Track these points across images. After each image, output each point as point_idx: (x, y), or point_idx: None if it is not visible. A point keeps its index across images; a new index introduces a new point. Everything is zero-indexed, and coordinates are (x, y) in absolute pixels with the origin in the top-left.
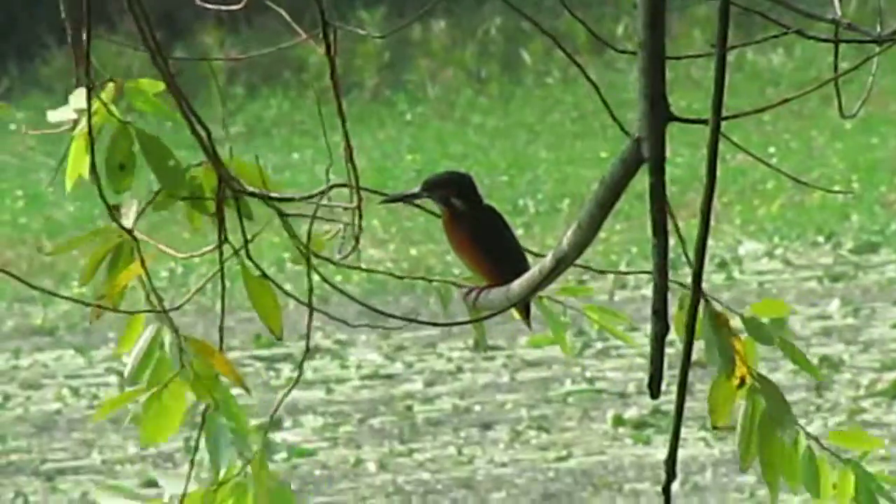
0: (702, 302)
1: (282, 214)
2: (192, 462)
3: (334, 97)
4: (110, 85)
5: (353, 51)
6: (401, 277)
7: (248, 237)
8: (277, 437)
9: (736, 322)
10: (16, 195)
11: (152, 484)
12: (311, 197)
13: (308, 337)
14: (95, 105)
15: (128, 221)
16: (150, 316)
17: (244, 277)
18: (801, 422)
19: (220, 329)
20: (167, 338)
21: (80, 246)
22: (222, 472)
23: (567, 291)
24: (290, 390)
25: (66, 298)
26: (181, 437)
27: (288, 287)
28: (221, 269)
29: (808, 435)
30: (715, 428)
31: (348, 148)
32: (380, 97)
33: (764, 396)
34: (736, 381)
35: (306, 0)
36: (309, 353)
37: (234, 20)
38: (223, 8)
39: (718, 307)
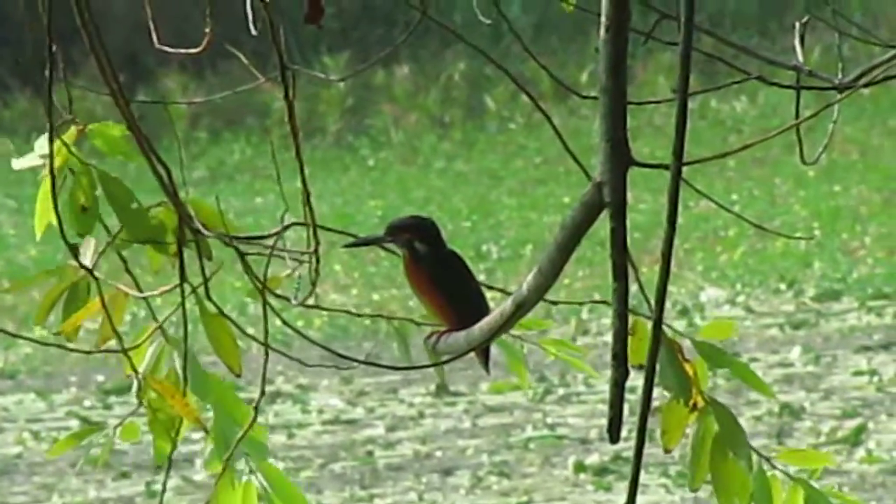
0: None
1: (241, 254)
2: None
3: (293, 140)
4: (73, 128)
5: (317, 96)
6: (360, 315)
7: (207, 276)
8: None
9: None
10: None
11: None
12: (268, 237)
13: (263, 376)
14: (59, 147)
15: (86, 260)
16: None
17: (202, 315)
18: None
19: (184, 369)
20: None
21: (38, 284)
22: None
23: (524, 325)
24: (246, 431)
25: (30, 340)
26: (141, 482)
27: (250, 331)
28: (183, 308)
29: (759, 455)
30: (667, 451)
31: (305, 191)
32: (342, 142)
33: (716, 418)
34: (689, 406)
35: (270, 45)
36: (266, 395)
37: (198, 65)
38: (186, 52)
39: (670, 333)
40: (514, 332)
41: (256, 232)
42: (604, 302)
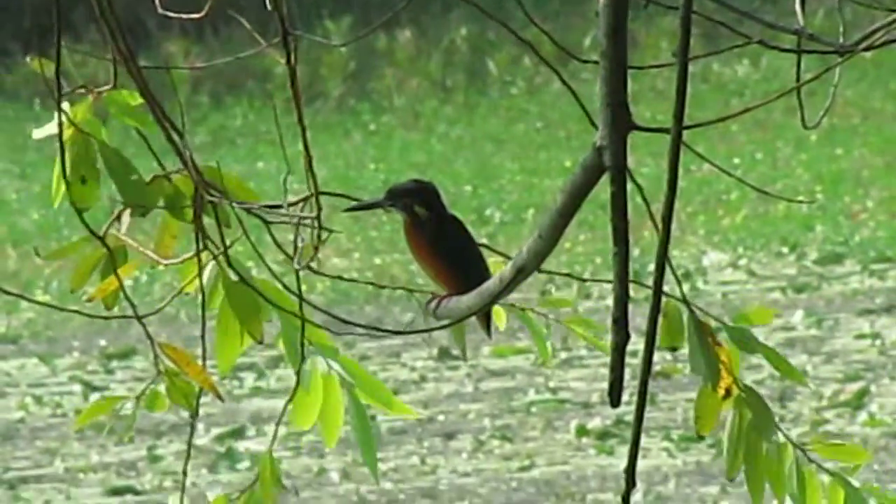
0: (686, 312)
1: (266, 223)
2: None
3: (295, 105)
4: (88, 97)
5: (319, 60)
6: (372, 284)
7: (227, 243)
8: (240, 445)
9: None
10: None
11: (116, 492)
12: (292, 205)
13: (302, 346)
14: (74, 115)
15: (123, 228)
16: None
17: (223, 283)
18: None
19: (203, 337)
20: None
21: (76, 252)
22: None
23: (548, 304)
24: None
25: (35, 302)
26: (144, 446)
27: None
28: (200, 276)
29: (793, 444)
30: (700, 437)
31: (307, 157)
32: (344, 107)
33: (749, 407)
34: (721, 392)
35: (272, 10)
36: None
37: (200, 29)
38: (189, 17)
39: (702, 316)
40: (539, 308)
41: (260, 197)
42: (607, 281)
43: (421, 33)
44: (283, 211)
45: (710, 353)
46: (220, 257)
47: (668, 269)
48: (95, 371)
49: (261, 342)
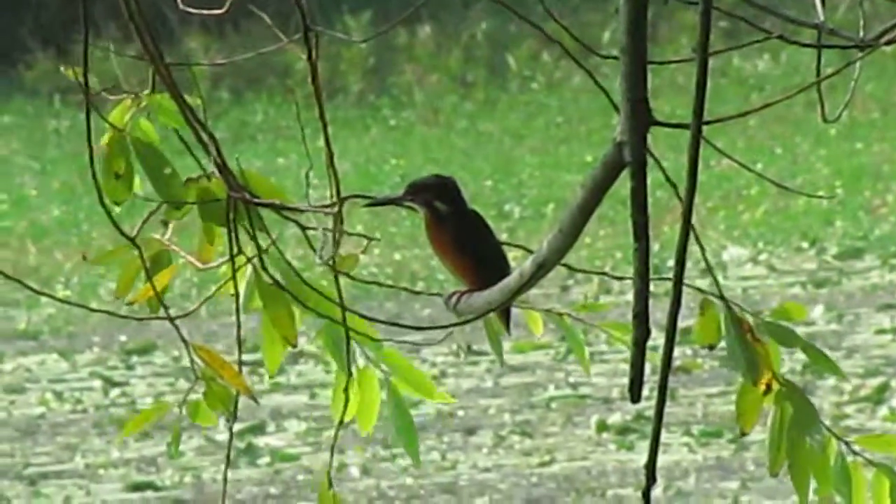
0: (723, 308)
1: (302, 227)
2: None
3: (316, 101)
4: (128, 98)
5: (339, 56)
6: (404, 289)
7: (263, 246)
8: (261, 441)
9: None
10: (0, 199)
11: (136, 488)
12: (325, 208)
13: (348, 350)
14: (116, 116)
15: (168, 232)
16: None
17: (258, 286)
18: None
19: (238, 339)
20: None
21: (120, 258)
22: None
23: (584, 308)
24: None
25: (56, 299)
26: (164, 442)
27: None
28: (234, 279)
29: (837, 437)
30: (743, 434)
31: (329, 152)
32: (364, 102)
33: (791, 402)
34: (762, 388)
35: (292, 5)
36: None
37: (220, 25)
38: (210, 13)
39: (737, 311)
40: (574, 313)
41: (287, 196)
42: (626, 278)
43: (441, 29)
44: (307, 211)
45: (749, 350)
46: (255, 261)
47: (709, 272)
48: (115, 367)
49: (294, 346)
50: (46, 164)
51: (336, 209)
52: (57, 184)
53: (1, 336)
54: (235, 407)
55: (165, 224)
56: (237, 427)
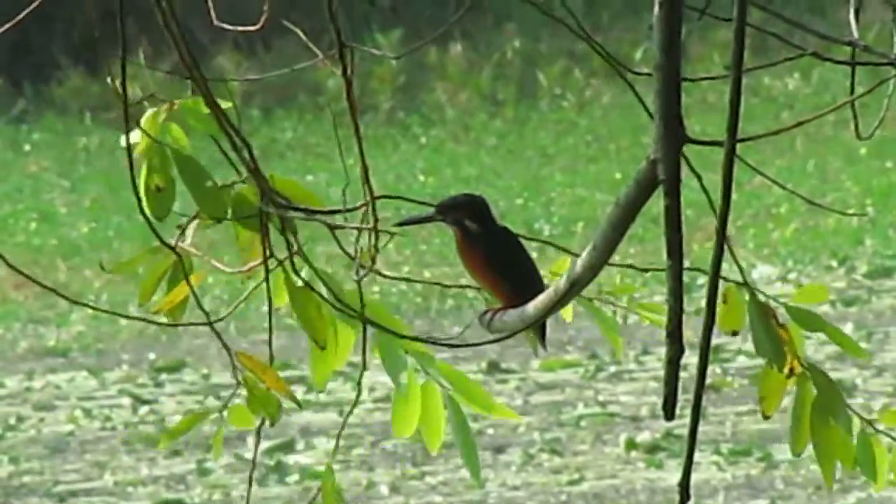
0: (747, 295)
1: (331, 227)
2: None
3: (350, 117)
4: (161, 107)
5: (369, 73)
6: (438, 284)
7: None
8: (290, 459)
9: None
10: (30, 216)
11: None
12: (355, 209)
13: (364, 352)
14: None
15: (189, 239)
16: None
17: (288, 289)
18: None
19: (269, 344)
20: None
21: (142, 264)
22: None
23: (615, 291)
24: (352, 408)
25: (130, 318)
26: (193, 460)
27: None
28: (267, 282)
29: (861, 418)
30: (765, 417)
31: (364, 167)
32: (395, 120)
33: (815, 384)
34: (786, 371)
35: (323, 24)
36: (366, 369)
37: (251, 44)
38: (244, 29)
39: (762, 298)
40: (605, 297)
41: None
42: (652, 269)
43: (472, 47)
44: (338, 213)
45: (773, 335)
46: (286, 264)
47: (730, 262)
48: (145, 384)
49: (323, 348)
50: (76, 181)
51: (371, 222)
52: (87, 201)
53: (30, 353)
54: (278, 410)
55: (183, 231)
56: (267, 445)
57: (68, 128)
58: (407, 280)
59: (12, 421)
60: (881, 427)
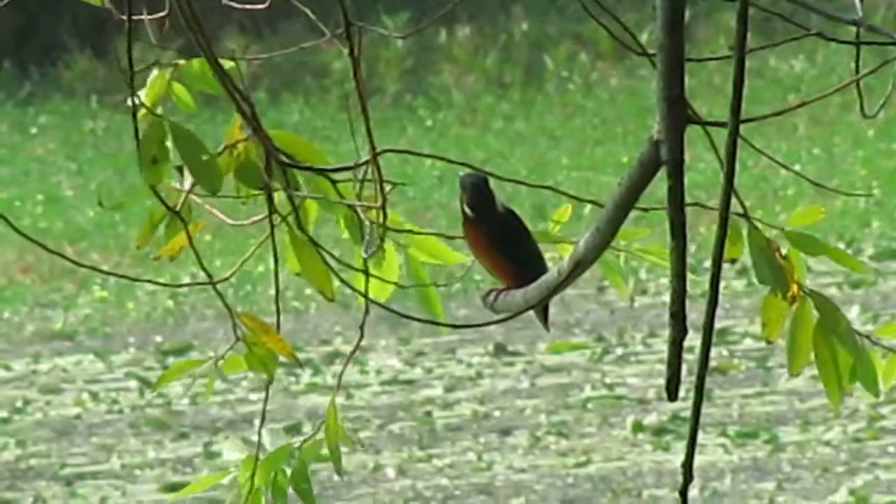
0: (746, 226)
1: (333, 182)
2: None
3: (357, 97)
4: (165, 73)
5: (376, 56)
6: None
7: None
8: (296, 441)
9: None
10: (36, 199)
11: (172, 489)
12: (359, 165)
13: (366, 305)
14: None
15: (186, 185)
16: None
17: (292, 244)
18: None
19: (276, 302)
20: None
21: (135, 201)
22: None
23: (622, 235)
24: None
25: (159, 284)
26: (200, 443)
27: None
28: (272, 238)
29: (859, 334)
30: (768, 342)
31: (372, 146)
32: (401, 103)
33: (816, 307)
34: (789, 298)
35: (329, 6)
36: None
37: (258, 26)
38: (251, 7)
39: (759, 226)
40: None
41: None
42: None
43: (479, 30)
44: (342, 170)
45: (775, 264)
46: (290, 219)
47: (741, 205)
48: (151, 367)
49: (332, 300)
50: (83, 164)
51: (380, 203)
52: (93, 184)
53: (37, 336)
54: (274, 368)
55: (181, 171)
56: (274, 427)
57: (75, 111)
58: (411, 232)
59: (19, 404)
60: (875, 339)
